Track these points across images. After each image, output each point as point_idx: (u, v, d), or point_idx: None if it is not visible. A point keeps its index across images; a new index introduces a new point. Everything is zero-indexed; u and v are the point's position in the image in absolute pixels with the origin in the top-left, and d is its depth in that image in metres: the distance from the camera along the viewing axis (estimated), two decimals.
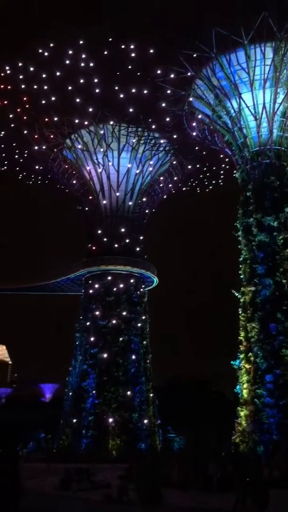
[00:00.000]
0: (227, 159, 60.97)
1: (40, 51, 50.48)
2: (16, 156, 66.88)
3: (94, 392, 58.78)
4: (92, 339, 61.37)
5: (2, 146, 64.58)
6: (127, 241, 64.74)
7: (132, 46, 48.18)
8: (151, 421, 61.09)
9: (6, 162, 69.55)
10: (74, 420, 58.69)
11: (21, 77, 53.62)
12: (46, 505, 20.86)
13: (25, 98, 56.13)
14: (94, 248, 65.11)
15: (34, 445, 68.26)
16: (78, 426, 58.01)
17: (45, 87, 53.92)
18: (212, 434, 60.80)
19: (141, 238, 67.77)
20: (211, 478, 25.10)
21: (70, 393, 62.65)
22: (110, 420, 57.09)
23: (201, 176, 71.57)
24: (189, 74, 48.15)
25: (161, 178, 69.08)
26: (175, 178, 70.28)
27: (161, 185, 70.19)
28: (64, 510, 19.93)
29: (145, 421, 59.49)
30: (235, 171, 52.00)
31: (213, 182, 73.57)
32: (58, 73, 52.13)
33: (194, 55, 46.40)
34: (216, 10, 43.05)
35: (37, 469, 39.30)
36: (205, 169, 68.90)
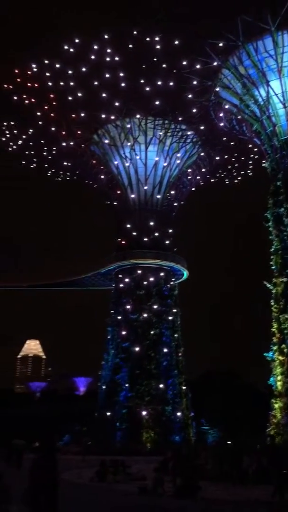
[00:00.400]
0: (255, 149, 60.05)
1: (66, 47, 50.70)
2: (45, 153, 67.65)
3: (127, 385, 59.22)
4: (123, 333, 61.77)
5: (31, 144, 65.38)
6: (156, 234, 64.73)
7: (157, 38, 47.90)
8: (184, 413, 61.17)
9: (35, 160, 70.44)
10: (108, 413, 59.31)
11: (47, 74, 54.07)
12: (83, 496, 21.16)
13: (52, 95, 56.61)
14: (123, 242, 65.38)
15: (69, 438, 69.31)
16: (112, 419, 58.62)
17: (72, 84, 54.24)
18: (246, 426, 60.43)
19: (170, 231, 67.63)
20: (246, 471, 24.96)
21: (103, 387, 63.32)
22: (144, 413, 57.45)
23: (229, 167, 70.80)
24: (215, 63, 47.57)
25: (189, 170, 68.64)
26: (203, 170, 69.72)
27: (189, 177, 69.75)
28: (100, 501, 20.18)
29: (178, 413, 59.62)
30: (264, 161, 51.20)
31: (242, 172, 72.67)
32: (83, 69, 52.34)
33: (220, 44, 45.75)
34: None
35: (73, 461, 39.90)
36: (233, 159, 68.12)
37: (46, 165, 71.92)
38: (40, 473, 10.38)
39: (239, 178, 74.33)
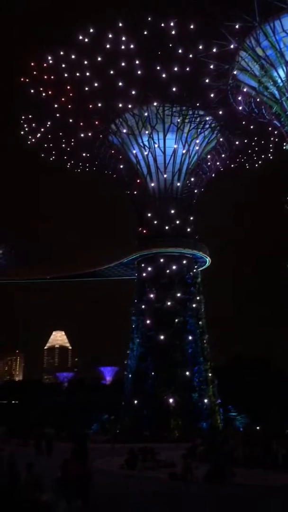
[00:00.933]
0: (275, 132, 58.96)
1: (81, 37, 50.42)
2: (63, 145, 67.76)
3: (153, 373, 59.51)
4: (148, 321, 61.94)
5: (49, 136, 65.55)
6: (177, 222, 64.44)
7: (172, 24, 47.22)
8: (211, 400, 61.22)
9: (54, 152, 70.66)
10: (135, 402, 59.76)
11: (63, 65, 53.93)
12: (113, 484, 21.42)
13: (68, 87, 56.51)
14: (145, 231, 65.30)
15: (97, 427, 70.16)
16: (139, 407, 59.03)
17: (88, 74, 53.98)
18: (274, 412, 60.18)
19: (191, 218, 67.23)
20: (276, 456, 24.88)
21: (130, 376, 63.74)
22: (170, 400, 57.67)
23: (249, 151, 69.76)
24: (232, 46, 46.64)
25: (208, 156, 67.93)
26: (223, 156, 68.89)
27: (208, 163, 69.04)
28: (131, 488, 20.40)
29: (205, 400, 59.71)
30: (285, 143, 50.30)
31: (263, 156, 71.52)
32: (99, 59, 51.99)
33: (237, 26, 44.79)
34: None
35: (102, 450, 40.37)
36: (253, 143, 67.07)
37: (65, 157, 72.08)
38: (73, 464, 10.57)
39: (260, 162, 73.21)
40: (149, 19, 47.92)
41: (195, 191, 68.68)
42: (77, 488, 12.66)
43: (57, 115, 60.36)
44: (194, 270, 66.21)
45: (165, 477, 22.05)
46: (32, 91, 56.98)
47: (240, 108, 54.04)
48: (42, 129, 64.07)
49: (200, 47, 47.60)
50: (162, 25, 47.56)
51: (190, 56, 48.87)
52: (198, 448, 29.84)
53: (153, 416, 57.64)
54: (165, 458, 28.38)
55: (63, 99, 58.15)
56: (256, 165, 74.30)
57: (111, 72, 53.43)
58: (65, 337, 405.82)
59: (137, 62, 51.79)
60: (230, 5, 43.66)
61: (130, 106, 59.26)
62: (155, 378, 59.29)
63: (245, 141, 65.71)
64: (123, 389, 65.08)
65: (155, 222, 64.37)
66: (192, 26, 46.51)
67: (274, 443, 25.99)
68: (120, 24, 49.53)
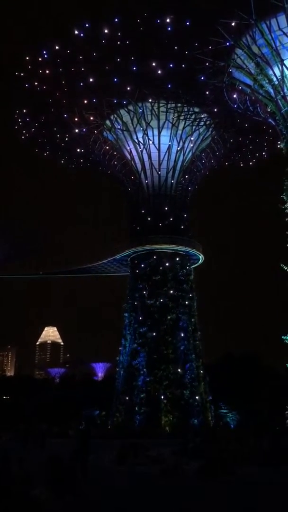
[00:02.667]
0: (270, 130, 59.08)
1: (76, 32, 50.18)
2: (58, 141, 67.50)
3: (145, 370, 59.64)
4: (140, 318, 62.03)
5: (43, 131, 65.27)
6: (171, 219, 64.49)
7: (167, 20, 47.09)
8: (203, 397, 61.48)
9: (48, 147, 70.39)
10: (127, 398, 59.90)
11: (58, 60, 53.64)
12: (105, 477, 21.48)
13: (63, 82, 56.24)
14: (138, 228, 65.29)
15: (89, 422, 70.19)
16: (131, 403, 59.19)
17: (83, 69, 53.75)
18: (265, 409, 60.54)
19: (185, 215, 67.29)
20: (267, 452, 25.05)
21: (122, 372, 63.83)
22: (162, 397, 57.85)
23: (243, 149, 69.90)
24: (228, 44, 46.61)
25: (203, 154, 67.94)
26: (217, 153, 68.96)
27: (203, 161, 69.07)
28: (122, 483, 20.45)
29: (197, 397, 59.94)
30: (279, 142, 50.41)
31: (257, 155, 71.70)
32: (94, 54, 51.77)
33: (233, 24, 44.77)
34: None
35: (94, 445, 40.33)
36: (247, 142, 67.20)
37: (59, 153, 71.83)
38: (71, 459, 10.63)
39: (254, 160, 73.38)
40: (145, 15, 47.82)
41: (189, 188, 68.74)
42: (69, 483, 12.69)
43: (52, 110, 60.09)
44: (187, 267, 66.33)
45: (156, 473, 22.13)
46: (26, 85, 56.64)
47: (235, 105, 54.11)
48: (36, 124, 63.78)
49: (196, 44, 47.51)
50: (158, 21, 47.46)
51: (186, 52, 48.80)
52: (189, 444, 29.98)
53: (145, 412, 57.83)
54: (156, 454, 28.47)
55: (58, 94, 57.89)
56: (251, 163, 74.50)
57: (107, 67, 53.27)
58: (57, 333, 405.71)
59: (132, 58, 51.65)
60: (226, 2, 43.63)
61: (125, 102, 59.12)
62: (146, 375, 59.43)
63: (240, 139, 65.84)
64: (115, 385, 65.18)
65: (149, 218, 64.39)
66: (188, 23, 46.45)
67: (265, 439, 26.18)
68: (116, 20, 49.35)
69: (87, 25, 50.07)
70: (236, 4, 43.35)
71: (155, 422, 56.61)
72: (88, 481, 14.82)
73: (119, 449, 27.53)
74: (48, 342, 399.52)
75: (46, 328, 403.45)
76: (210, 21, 44.75)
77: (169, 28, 47.48)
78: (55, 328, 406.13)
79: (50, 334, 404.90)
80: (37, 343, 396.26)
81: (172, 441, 36.32)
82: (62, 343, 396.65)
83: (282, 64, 45.67)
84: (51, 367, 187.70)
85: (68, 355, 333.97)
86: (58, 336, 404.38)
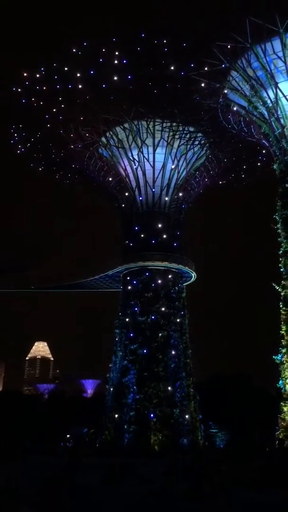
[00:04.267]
0: (264, 151, 59.87)
1: (74, 50, 50.89)
2: (53, 156, 67.84)
3: (135, 387, 59.11)
4: (131, 335, 61.70)
5: (39, 146, 65.63)
6: (164, 236, 64.65)
7: (165, 41, 47.94)
8: (193, 416, 60.92)
9: (43, 162, 70.70)
10: (116, 415, 59.23)
11: (56, 77, 54.26)
12: (93, 498, 21.14)
13: (60, 98, 56.80)
14: (131, 244, 65.33)
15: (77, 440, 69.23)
16: (120, 421, 58.51)
17: (80, 86, 54.36)
18: (254, 429, 60.12)
19: (178, 233, 67.50)
20: (258, 474, 24.82)
21: (111, 389, 63.22)
22: (152, 415, 57.30)
23: (237, 169, 70.61)
24: (223, 66, 47.49)
25: (197, 172, 68.53)
26: (211, 172, 69.58)
27: (197, 179, 69.63)
28: (110, 504, 20.15)
29: (187, 416, 59.40)
30: (273, 163, 51.05)
31: (250, 175, 72.45)
32: (92, 72, 52.44)
33: (229, 46, 45.68)
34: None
35: (81, 463, 39.76)
36: (241, 162, 67.93)
37: (54, 168, 72.12)
38: (59, 479, 10.51)
39: (248, 180, 74.11)
40: (142, 35, 48.65)
41: (183, 206, 69.09)
42: (56, 503, 12.49)
43: (48, 125, 60.53)
44: (180, 285, 66.33)
45: (145, 494, 21.83)
46: (23, 100, 57.12)
47: (230, 126, 54.86)
48: (32, 139, 64.14)
49: (192, 65, 48.37)
50: (156, 42, 48.30)
51: (182, 73, 49.60)
52: (178, 464, 29.67)
53: (134, 430, 57.17)
54: (144, 473, 28.13)
55: (54, 110, 58.40)
56: (244, 183, 75.22)
57: (103, 85, 53.94)
58: (47, 348, 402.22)
59: (129, 77, 52.37)
60: (222, 25, 44.55)
61: (121, 119, 59.73)
62: (136, 392, 58.92)
63: (234, 159, 66.57)
64: (104, 402, 64.49)
65: (142, 235, 64.51)
66: (184, 44, 47.30)
67: (255, 460, 25.97)
68: (114, 39, 50.16)
69: (85, 43, 50.83)
70: (232, 28, 44.27)
71: (144, 440, 55.91)
72: (75, 502, 14.59)
73: (108, 468, 27.19)
74: (37, 357, 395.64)
75: (36, 343, 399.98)
76: (206, 43, 45.64)
77: (166, 49, 48.31)
78: (45, 343, 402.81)
79: (40, 349, 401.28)
80: (27, 358, 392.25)
81: (161, 461, 35.91)
82: (52, 358, 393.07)
83: (276, 87, 46.53)
84: (40, 383, 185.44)
85: (57, 370, 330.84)
86: (48, 351, 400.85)
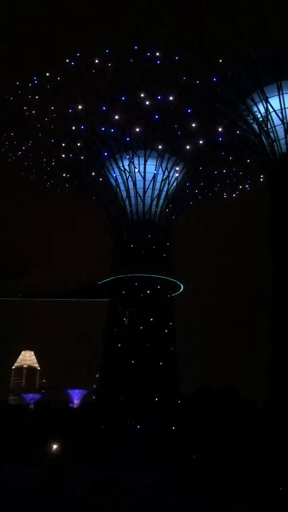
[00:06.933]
0: (253, 164, 60.35)
1: (67, 60, 51.14)
2: (44, 165, 67.81)
3: (122, 398, 58.71)
4: (119, 345, 61.41)
5: (30, 155, 65.59)
6: (154, 247, 64.69)
7: (157, 54, 48.31)
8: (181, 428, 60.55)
9: (34, 171, 70.62)
10: (103, 427, 58.67)
11: (48, 87, 54.44)
12: (78, 511, 20.89)
13: (52, 108, 56.94)
14: (121, 254, 65.25)
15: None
16: (107, 433, 57.92)
17: (72, 96, 54.54)
18: (241, 442, 59.81)
19: (168, 244, 67.61)
20: (245, 487, 24.74)
21: (98, 399, 62.73)
22: (138, 426, 56.87)
23: (227, 181, 71.07)
24: (214, 79, 47.96)
25: (187, 184, 68.82)
26: (201, 184, 69.92)
27: (187, 191, 69.92)
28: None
29: (174, 428, 59.01)
30: (261, 175, 51.50)
31: (240, 187, 72.96)
32: (84, 82, 52.66)
33: (220, 61, 46.21)
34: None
35: (67, 475, 39.27)
36: (231, 174, 68.39)
37: (45, 176, 72.07)
38: (42, 491, 10.39)
39: (237, 192, 74.59)
40: (135, 47, 49.00)
41: (173, 217, 69.29)
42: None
43: (40, 134, 60.58)
44: (168, 295, 66.28)
45: (129, 506, 21.64)
46: (15, 109, 57.19)
47: (220, 138, 55.27)
48: (24, 148, 64.11)
49: (184, 78, 48.80)
50: (148, 54, 48.66)
51: (174, 85, 50.00)
52: (164, 477, 29.47)
53: (120, 442, 56.63)
54: (129, 486, 27.87)
55: (46, 119, 58.49)
56: (234, 195, 75.64)
57: (96, 96, 54.19)
58: (34, 357, 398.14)
59: (121, 88, 52.70)
60: (213, 42, 45.02)
61: (112, 130, 59.91)
62: (123, 402, 58.50)
63: (224, 171, 66.98)
64: (91, 413, 63.89)
65: (132, 245, 64.50)
66: (176, 58, 47.72)
67: (243, 474, 25.87)
68: (107, 51, 50.48)
69: (78, 54, 51.13)
70: (224, 45, 44.77)
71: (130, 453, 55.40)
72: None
73: (94, 481, 26.92)
74: (24, 366, 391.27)
75: (23, 352, 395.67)
76: (198, 58, 46.11)
77: (158, 62, 48.69)
78: (32, 352, 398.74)
79: (27, 358, 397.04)
80: (13, 367, 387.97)
81: (147, 474, 35.60)
82: (38, 368, 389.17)
83: (267, 101, 47.08)
84: (26, 393, 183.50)
85: (44, 380, 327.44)
86: (35, 360, 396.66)
